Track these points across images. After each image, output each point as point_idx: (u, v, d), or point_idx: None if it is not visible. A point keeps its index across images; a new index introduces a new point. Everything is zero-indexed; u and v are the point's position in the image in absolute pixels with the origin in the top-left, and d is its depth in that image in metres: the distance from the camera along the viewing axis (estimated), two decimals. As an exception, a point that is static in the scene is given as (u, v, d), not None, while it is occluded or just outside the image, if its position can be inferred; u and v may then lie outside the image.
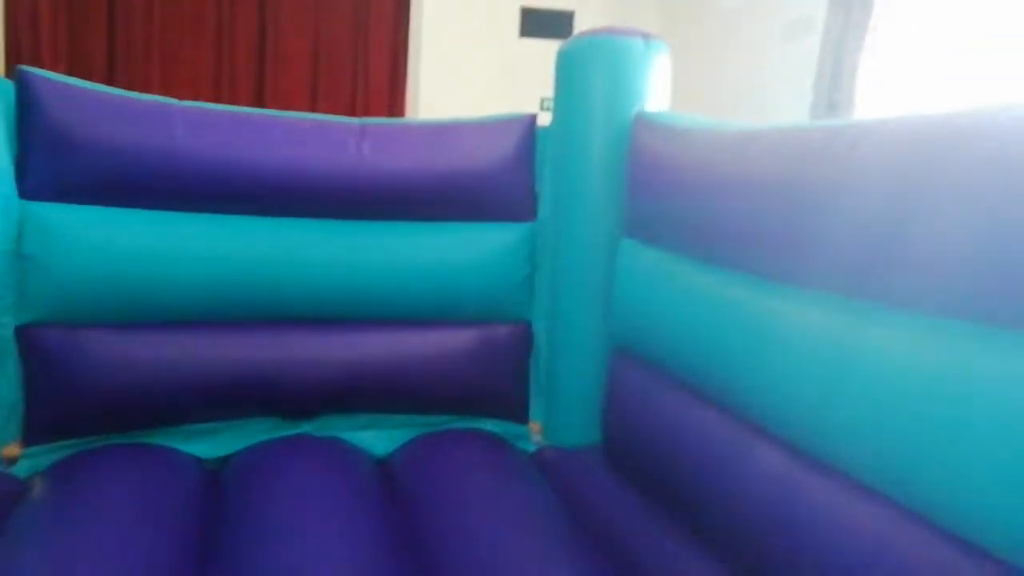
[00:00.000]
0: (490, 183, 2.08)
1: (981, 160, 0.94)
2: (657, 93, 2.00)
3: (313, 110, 4.17)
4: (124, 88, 2.00)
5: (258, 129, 1.98)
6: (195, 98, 2.08)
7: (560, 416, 2.17)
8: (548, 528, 1.68)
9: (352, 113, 4.03)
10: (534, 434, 2.22)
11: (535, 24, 4.19)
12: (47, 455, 1.86)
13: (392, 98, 4.43)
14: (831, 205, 1.19)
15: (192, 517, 1.66)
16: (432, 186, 2.04)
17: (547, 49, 2.10)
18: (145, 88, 3.67)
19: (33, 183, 1.81)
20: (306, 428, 2.08)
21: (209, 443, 1.98)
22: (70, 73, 2.33)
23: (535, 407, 2.22)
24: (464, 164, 2.06)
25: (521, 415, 2.23)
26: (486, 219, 2.11)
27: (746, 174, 1.39)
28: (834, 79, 3.85)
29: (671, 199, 1.67)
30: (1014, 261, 0.88)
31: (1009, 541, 0.88)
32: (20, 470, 1.82)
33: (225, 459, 1.95)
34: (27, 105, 1.79)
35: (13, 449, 1.88)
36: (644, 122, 1.84)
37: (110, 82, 3.52)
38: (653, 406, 1.75)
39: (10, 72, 1.78)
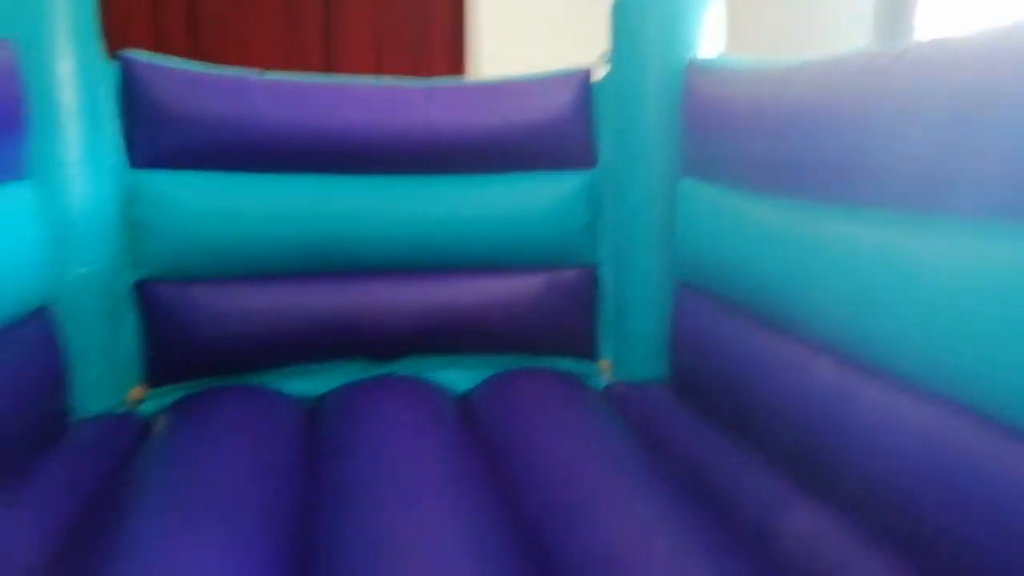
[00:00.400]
0: (549, 135, 2.20)
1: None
2: (710, 39, 2.07)
3: (378, 70, 4.32)
4: (203, 57, 2.18)
5: (331, 96, 2.13)
6: (267, 63, 2.24)
7: (628, 353, 2.29)
8: (622, 457, 1.76)
9: (416, 72, 4.16)
10: (604, 371, 2.35)
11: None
12: (166, 396, 2.09)
13: (453, 57, 4.55)
14: (888, 126, 1.23)
15: (293, 449, 1.84)
16: (494, 141, 2.17)
17: (607, 5, 2.18)
18: (221, 55, 3.88)
19: (139, 153, 2.01)
20: (392, 368, 2.25)
21: (306, 383, 2.18)
22: (155, 45, 2.52)
23: (604, 346, 2.35)
24: (523, 119, 2.18)
25: (591, 354, 2.36)
26: (547, 169, 2.23)
27: (799, 104, 1.46)
28: (894, 18, 3.78)
29: (726, 137, 1.75)
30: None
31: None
32: (144, 410, 2.05)
33: (321, 397, 2.15)
34: (130, 85, 1.99)
35: (137, 392, 2.12)
36: (697, 67, 1.92)
37: (192, 52, 3.74)
38: (717, 335, 1.85)
39: (108, 52, 1.97)
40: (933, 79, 1.15)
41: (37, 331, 1.71)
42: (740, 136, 1.69)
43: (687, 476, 1.68)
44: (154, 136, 2.02)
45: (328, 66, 4.36)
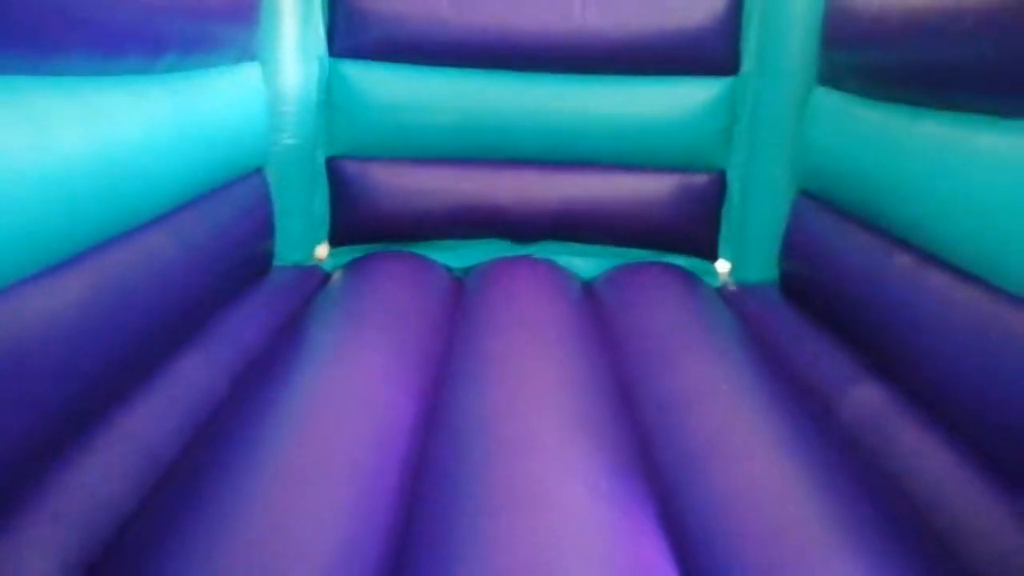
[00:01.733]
0: (696, 41, 2.34)
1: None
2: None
3: None
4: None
5: (501, 1, 2.38)
6: None
7: (745, 256, 2.46)
8: (726, 349, 1.91)
9: None
10: (721, 272, 2.53)
11: None
12: (345, 255, 2.52)
13: None
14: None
15: (441, 306, 2.19)
16: (644, 44, 2.35)
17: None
18: None
19: (338, 45, 2.38)
20: (530, 250, 2.56)
21: (458, 256, 2.55)
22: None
23: (724, 247, 2.53)
24: (671, 24, 2.33)
25: (711, 254, 2.55)
26: (692, 74, 2.38)
27: (940, 10, 1.48)
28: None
29: (864, 45, 1.83)
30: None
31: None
32: (327, 265, 2.50)
33: (468, 268, 2.50)
34: (333, -15, 2.34)
35: (322, 250, 2.57)
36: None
37: None
38: (832, 241, 1.98)
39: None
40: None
41: (256, 187, 2.16)
42: (878, 44, 1.76)
43: (785, 370, 1.80)
44: (351, 30, 2.37)
45: None
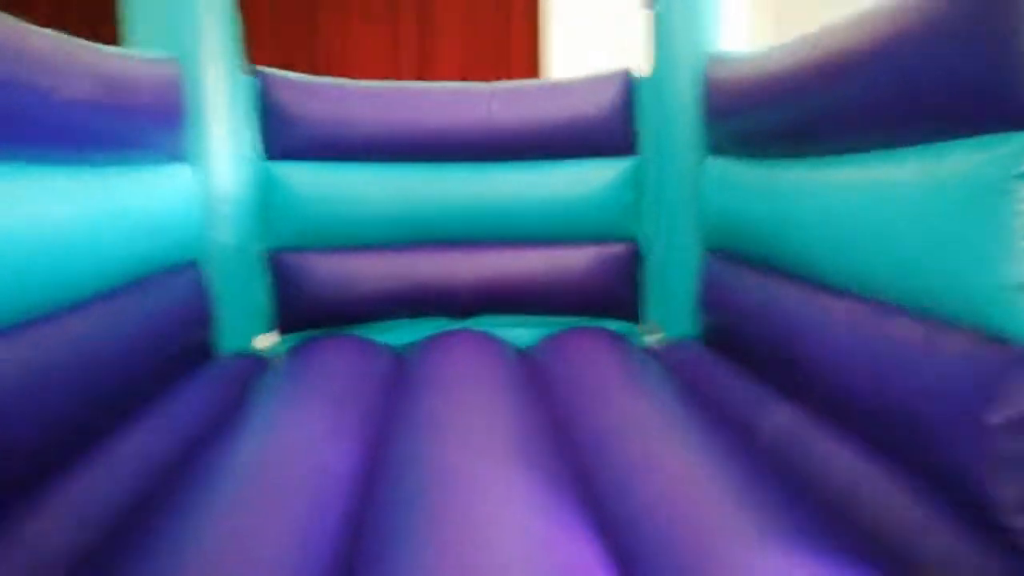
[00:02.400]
0: (596, 127, 2.59)
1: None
2: (729, 37, 2.41)
3: (464, 77, 4.89)
4: (318, 71, 2.71)
5: (413, 99, 2.61)
6: (372, 71, 2.74)
7: (667, 315, 2.63)
8: (658, 394, 2.06)
9: (499, 77, 4.75)
10: (648, 332, 2.69)
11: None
12: (288, 342, 2.59)
13: (530, 62, 5.11)
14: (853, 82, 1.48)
15: (384, 380, 2.27)
16: (548, 132, 2.59)
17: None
18: (333, 69, 4.61)
19: (272, 148, 2.55)
20: (466, 324, 2.69)
21: (397, 334, 2.65)
22: (280, 62, 3.10)
23: (651, 309, 2.70)
24: (573, 113, 2.59)
25: (635, 316, 2.71)
26: (595, 156, 2.62)
27: (796, 73, 1.69)
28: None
29: (738, 114, 2.09)
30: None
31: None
32: (269, 352, 2.56)
33: (409, 345, 2.60)
34: (264, 94, 2.54)
35: (264, 339, 2.64)
36: (715, 59, 2.27)
37: (309, 68, 4.40)
38: (735, 289, 2.16)
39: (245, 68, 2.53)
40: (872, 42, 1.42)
41: (190, 278, 2.25)
42: (749, 111, 2.01)
43: (708, 405, 1.94)
44: (283, 133, 2.55)
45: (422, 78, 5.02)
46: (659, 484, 1.40)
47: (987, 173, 1.11)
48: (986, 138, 1.13)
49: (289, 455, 1.55)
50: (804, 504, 1.33)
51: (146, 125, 1.92)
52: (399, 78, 4.66)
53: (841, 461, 1.46)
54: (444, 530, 1.20)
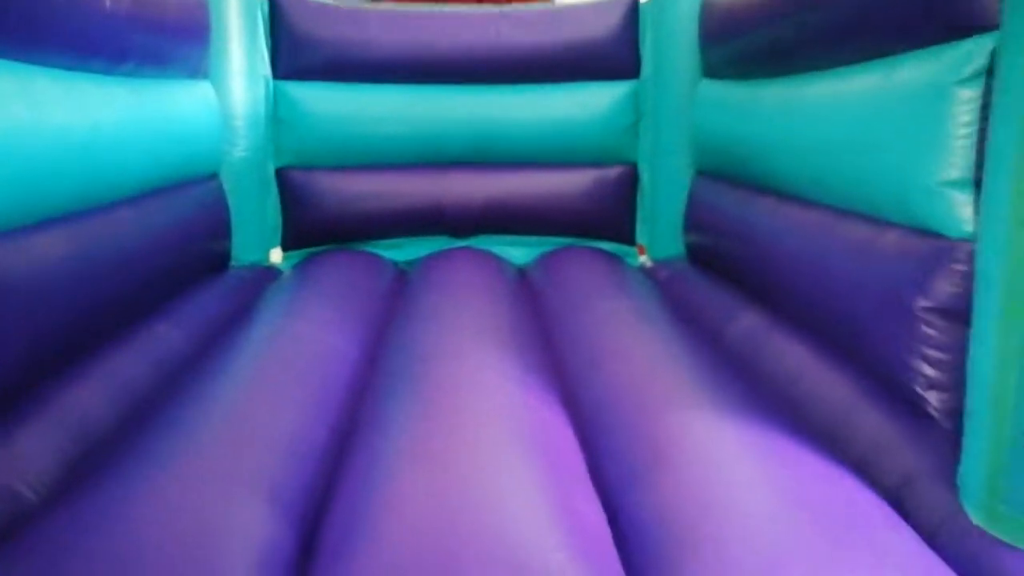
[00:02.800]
0: (600, 51, 2.67)
1: None
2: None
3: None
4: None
5: (427, 22, 2.69)
6: None
7: (658, 236, 2.75)
8: (644, 304, 2.19)
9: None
10: (639, 253, 2.82)
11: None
12: (298, 257, 2.75)
13: None
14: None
15: (388, 296, 2.42)
16: (553, 55, 2.67)
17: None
18: None
19: (281, 68, 2.66)
20: (467, 243, 2.82)
21: (401, 251, 2.79)
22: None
23: (640, 230, 2.82)
24: (578, 36, 2.66)
25: (628, 238, 2.84)
26: (598, 79, 2.70)
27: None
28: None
29: (729, 36, 2.17)
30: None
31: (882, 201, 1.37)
32: (281, 266, 2.72)
33: (411, 262, 2.74)
34: (276, 15, 2.63)
35: (276, 253, 2.80)
36: (713, -16, 2.33)
37: None
38: (717, 206, 2.28)
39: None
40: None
41: (211, 190, 2.39)
42: (738, 33, 2.09)
43: (689, 316, 2.08)
44: (292, 54, 2.65)
45: None
46: (623, 370, 1.55)
47: (932, 79, 1.21)
48: (932, 48, 1.23)
49: (301, 338, 1.72)
50: (752, 389, 1.47)
51: (173, 41, 2.04)
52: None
53: (791, 355, 1.60)
54: (434, 390, 1.37)
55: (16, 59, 1.38)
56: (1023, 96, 0.90)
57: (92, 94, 1.64)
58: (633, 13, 2.68)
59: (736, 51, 2.14)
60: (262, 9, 2.62)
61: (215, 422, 1.34)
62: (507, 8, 2.74)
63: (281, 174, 2.73)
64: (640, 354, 1.65)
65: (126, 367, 1.57)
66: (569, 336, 1.86)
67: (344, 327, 1.88)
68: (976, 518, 1.02)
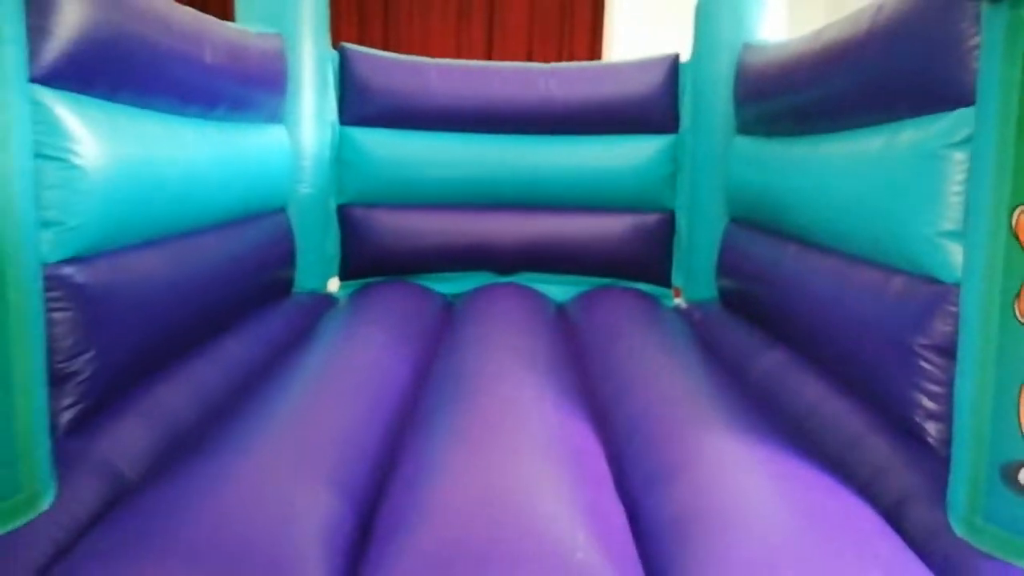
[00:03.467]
0: (641, 106, 2.86)
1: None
2: (770, 28, 2.65)
3: (529, 59, 5.19)
4: (394, 48, 3.05)
5: (479, 76, 2.93)
6: (444, 51, 3.06)
7: (693, 280, 2.90)
8: (677, 344, 2.34)
9: (560, 59, 4.95)
10: (674, 296, 2.97)
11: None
12: (354, 287, 2.96)
13: (593, 47, 5.37)
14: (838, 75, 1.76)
15: (436, 324, 2.61)
16: (599, 109, 2.87)
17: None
18: (408, 47, 4.93)
19: (347, 115, 2.91)
20: (510, 279, 3.01)
21: (448, 285, 2.99)
22: (359, 38, 3.45)
23: (676, 273, 2.97)
24: (622, 92, 2.86)
25: (665, 281, 2.99)
26: (639, 132, 2.89)
27: (807, 63, 1.97)
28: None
29: (761, 97, 2.34)
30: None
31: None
32: (338, 295, 2.94)
33: (458, 295, 2.93)
34: (344, 67, 2.89)
35: (334, 282, 3.02)
36: (748, 48, 2.52)
37: (386, 44, 4.74)
38: (749, 253, 2.42)
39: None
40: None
41: (279, 222, 2.63)
42: (770, 94, 2.26)
43: (717, 353, 2.22)
44: (357, 103, 2.91)
45: (489, 56, 5.30)
46: (650, 394, 1.70)
47: (929, 144, 1.36)
48: (930, 116, 1.38)
49: (357, 356, 1.91)
50: (769, 417, 1.61)
51: (257, 90, 2.30)
52: (468, 55, 5.00)
53: (809, 389, 1.73)
54: (476, 403, 1.53)
55: (131, 104, 1.63)
56: (993, 162, 1.05)
57: (189, 135, 1.88)
58: (674, 72, 2.87)
59: (766, 111, 2.31)
60: (333, 62, 2.89)
61: (285, 421, 1.53)
62: (556, 65, 2.96)
63: (342, 210, 2.97)
64: (667, 382, 1.80)
65: (205, 374, 1.78)
66: (601, 364, 2.01)
67: (396, 349, 2.07)
68: (960, 531, 1.14)
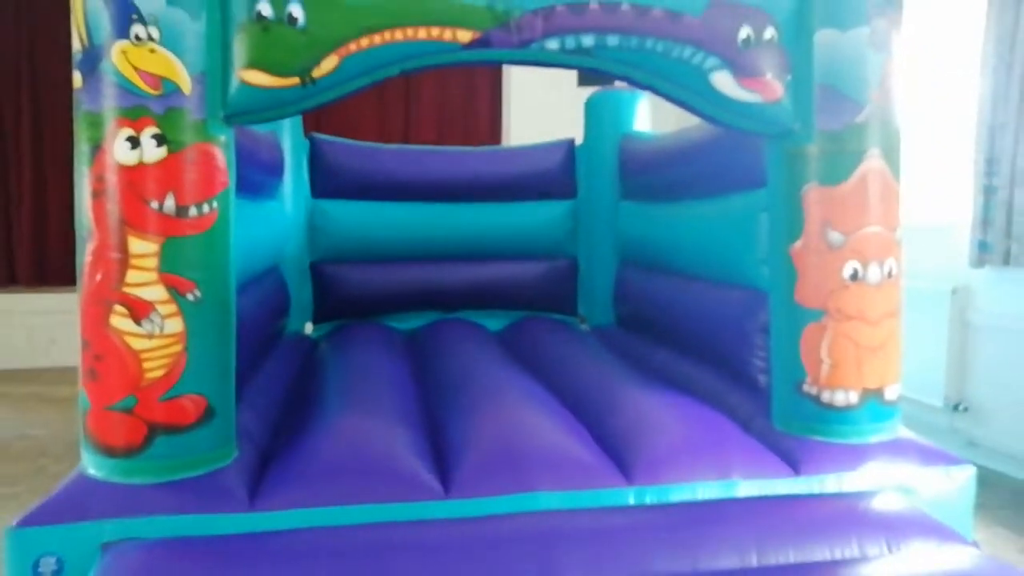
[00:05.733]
0: (547, 178, 3.77)
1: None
2: (640, 121, 3.64)
3: (438, 141, 6.06)
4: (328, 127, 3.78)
5: (425, 157, 3.74)
6: (368, 135, 3.85)
7: (594, 309, 3.79)
8: (596, 351, 3.20)
9: (464, 143, 5.86)
10: (580, 322, 3.84)
11: (587, 78, 5.90)
12: (323, 328, 3.62)
13: (492, 133, 6.31)
14: (691, 160, 2.75)
15: (400, 354, 3.33)
16: (516, 182, 3.75)
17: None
18: (342, 128, 5.69)
19: (318, 190, 3.62)
20: (454, 316, 3.77)
21: (404, 323, 3.72)
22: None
23: (581, 305, 3.86)
24: (534, 168, 3.76)
25: (573, 311, 3.87)
26: (547, 199, 3.79)
27: (668, 151, 2.96)
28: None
29: (639, 174, 3.29)
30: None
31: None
32: (313, 335, 3.58)
33: (414, 330, 3.66)
34: (315, 152, 3.61)
35: (308, 326, 3.66)
36: (628, 137, 3.49)
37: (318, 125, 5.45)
38: (637, 285, 3.34)
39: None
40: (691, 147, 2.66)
41: (277, 278, 3.27)
42: (645, 172, 3.22)
43: (622, 354, 3.11)
44: (326, 180, 3.62)
45: (406, 139, 6.16)
46: (582, 373, 2.54)
47: (749, 208, 2.31)
48: (748, 191, 2.33)
49: (369, 368, 2.62)
50: (666, 382, 2.47)
51: (267, 175, 2.97)
52: (389, 139, 5.81)
53: (689, 368, 2.63)
54: (477, 385, 2.30)
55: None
56: (779, 219, 1.98)
57: (241, 211, 2.55)
58: (571, 152, 3.81)
59: (643, 184, 3.27)
60: (306, 149, 3.60)
61: (354, 398, 2.23)
62: (482, 147, 3.82)
63: (314, 266, 3.64)
64: (596, 368, 2.65)
65: (273, 377, 2.44)
66: (542, 361, 2.84)
67: (392, 359, 2.80)
68: (778, 426, 2.03)
